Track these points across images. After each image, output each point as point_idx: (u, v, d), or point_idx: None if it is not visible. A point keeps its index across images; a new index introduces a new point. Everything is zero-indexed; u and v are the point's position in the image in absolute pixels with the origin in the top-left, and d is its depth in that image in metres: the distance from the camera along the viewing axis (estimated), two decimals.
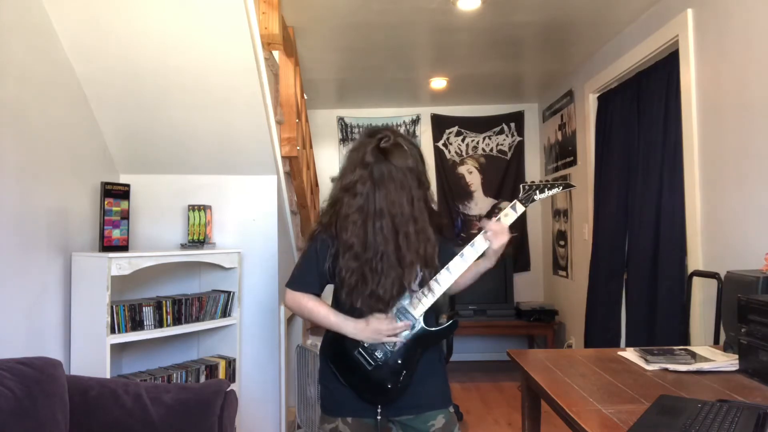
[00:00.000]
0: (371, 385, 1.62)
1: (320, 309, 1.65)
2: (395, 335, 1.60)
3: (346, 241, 1.58)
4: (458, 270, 1.63)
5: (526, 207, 1.68)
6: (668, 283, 3.08)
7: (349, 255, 1.57)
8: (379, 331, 1.58)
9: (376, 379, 1.61)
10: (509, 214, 1.67)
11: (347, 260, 1.57)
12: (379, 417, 1.62)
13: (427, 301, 1.62)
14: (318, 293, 1.69)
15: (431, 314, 1.65)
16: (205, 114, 2.63)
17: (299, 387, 3.46)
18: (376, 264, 1.56)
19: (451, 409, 1.71)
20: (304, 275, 1.69)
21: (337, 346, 1.65)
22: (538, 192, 1.69)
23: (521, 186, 1.71)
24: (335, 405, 1.68)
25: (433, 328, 1.64)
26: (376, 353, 1.61)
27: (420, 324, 1.62)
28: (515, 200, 1.68)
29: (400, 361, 1.61)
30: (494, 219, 1.66)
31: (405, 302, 1.62)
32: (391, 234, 1.57)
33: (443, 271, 1.62)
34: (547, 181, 1.71)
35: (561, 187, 1.73)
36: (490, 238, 1.63)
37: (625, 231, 3.64)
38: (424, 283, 1.63)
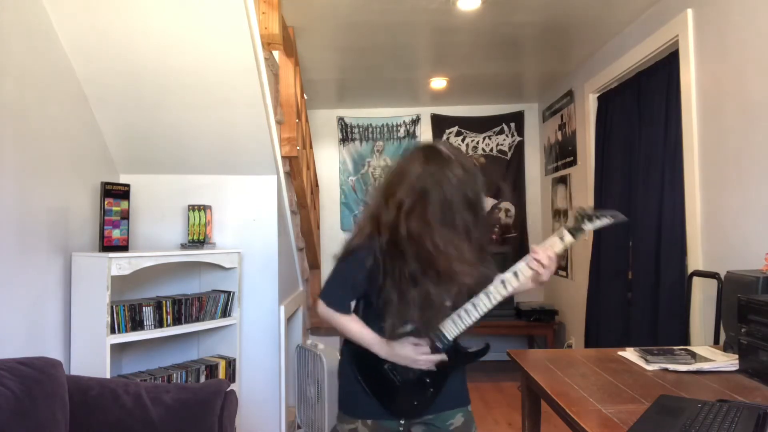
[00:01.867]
0: (397, 398, 1.60)
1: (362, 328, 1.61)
2: (428, 365, 1.57)
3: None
4: (498, 297, 1.53)
5: (575, 239, 1.54)
6: (669, 283, 3.08)
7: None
8: (413, 361, 1.55)
9: (403, 395, 1.59)
10: (556, 244, 1.53)
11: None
12: (401, 429, 1.62)
13: (461, 324, 1.55)
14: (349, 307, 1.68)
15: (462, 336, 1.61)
16: (205, 114, 2.63)
17: (299, 387, 3.46)
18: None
19: (470, 408, 1.69)
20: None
21: (367, 356, 1.61)
22: (587, 221, 1.54)
23: (576, 215, 1.56)
24: (356, 407, 1.65)
25: (467, 351, 1.61)
26: (406, 370, 1.58)
27: (451, 345, 1.58)
28: (563, 228, 1.54)
29: (428, 380, 1.59)
30: (546, 244, 1.53)
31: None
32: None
33: (481, 296, 1.53)
34: (600, 212, 1.54)
35: (612, 219, 1.54)
36: (536, 268, 1.51)
37: (628, 231, 3.63)
38: (458, 305, 1.56)
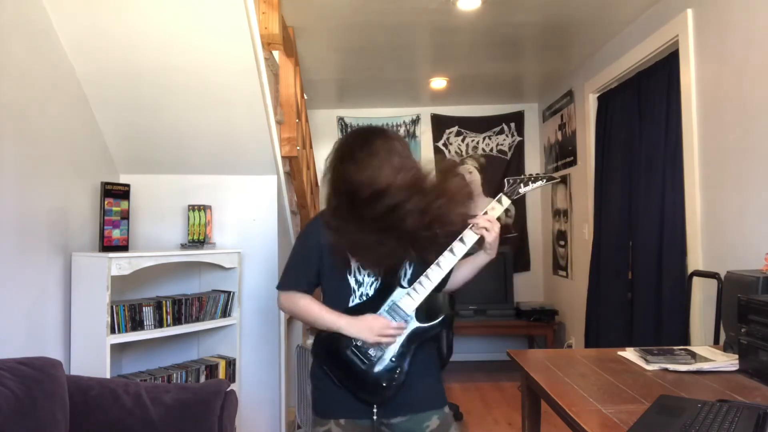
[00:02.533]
0: (366, 384, 1.61)
1: (313, 306, 1.67)
2: (389, 336, 1.60)
3: None
4: (448, 265, 1.63)
5: (511, 199, 1.70)
6: (670, 283, 3.07)
7: None
8: (372, 329, 1.59)
9: (371, 378, 1.60)
10: (495, 207, 1.68)
11: None
12: (375, 417, 1.61)
13: (418, 296, 1.62)
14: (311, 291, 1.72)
15: (424, 313, 1.65)
16: (205, 114, 2.63)
17: (299, 387, 3.46)
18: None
19: (447, 410, 1.68)
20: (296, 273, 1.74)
21: (329, 345, 1.64)
22: (522, 185, 1.71)
23: (506, 180, 1.73)
24: (327, 407, 1.67)
25: (425, 324, 1.64)
26: (369, 351, 1.61)
27: (412, 320, 1.63)
28: (500, 194, 1.70)
29: (393, 359, 1.61)
30: (481, 213, 1.66)
31: (396, 299, 1.62)
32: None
33: (433, 266, 1.63)
34: (531, 174, 1.74)
35: (545, 180, 1.74)
36: (480, 232, 1.64)
37: (629, 230, 3.63)
38: (414, 279, 1.64)
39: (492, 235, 1.64)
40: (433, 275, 1.63)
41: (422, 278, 1.63)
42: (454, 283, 1.78)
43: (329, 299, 1.69)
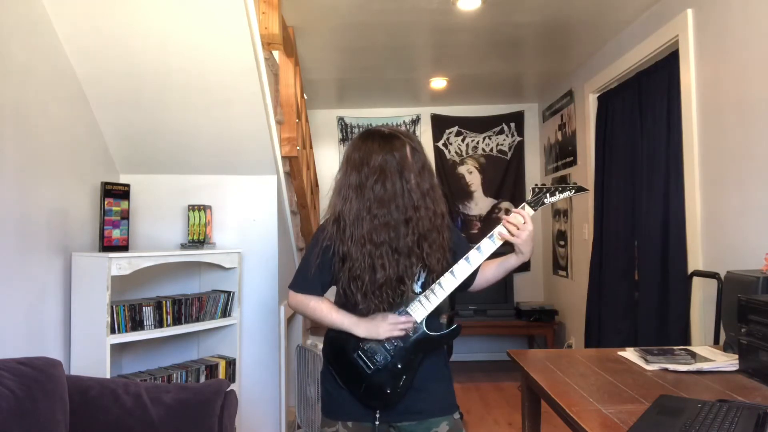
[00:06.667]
0: (370, 388, 1.59)
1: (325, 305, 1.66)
2: (398, 331, 1.57)
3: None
4: (463, 274, 1.58)
5: (534, 210, 1.62)
6: (675, 283, 3.07)
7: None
8: (379, 326, 1.56)
9: (375, 383, 1.58)
10: (516, 217, 1.60)
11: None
12: (377, 422, 1.59)
13: (429, 305, 1.58)
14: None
15: (433, 316, 1.62)
16: (205, 114, 2.64)
17: (299, 387, 3.46)
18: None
19: (456, 416, 1.66)
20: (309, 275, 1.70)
21: (336, 346, 1.63)
22: (548, 195, 1.63)
23: (531, 188, 1.65)
24: (335, 408, 1.65)
25: (434, 333, 1.60)
26: (375, 356, 1.58)
27: (421, 328, 1.59)
28: (524, 203, 1.62)
29: (400, 366, 1.58)
30: (512, 212, 1.60)
31: (407, 305, 1.58)
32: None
33: (447, 275, 1.58)
34: (558, 184, 1.66)
35: (573, 191, 1.65)
36: (507, 237, 1.58)
37: (633, 230, 3.62)
38: (426, 286, 1.60)
39: (521, 239, 1.57)
40: (447, 284, 1.57)
41: (435, 286, 1.58)
42: (479, 284, 1.73)
43: (341, 301, 1.65)
